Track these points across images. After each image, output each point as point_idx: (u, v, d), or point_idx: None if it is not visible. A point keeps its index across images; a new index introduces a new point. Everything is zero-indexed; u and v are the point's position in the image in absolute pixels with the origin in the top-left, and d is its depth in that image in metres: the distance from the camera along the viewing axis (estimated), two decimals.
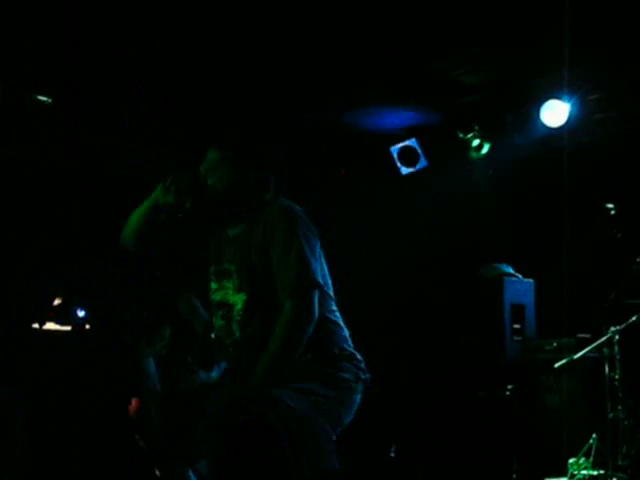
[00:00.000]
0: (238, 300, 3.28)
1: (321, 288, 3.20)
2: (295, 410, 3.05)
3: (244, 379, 3.17)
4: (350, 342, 3.35)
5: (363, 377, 3.32)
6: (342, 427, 3.29)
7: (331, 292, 3.35)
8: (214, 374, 5.48)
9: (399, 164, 7.36)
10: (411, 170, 7.34)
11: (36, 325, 6.83)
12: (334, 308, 3.35)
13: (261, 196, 3.35)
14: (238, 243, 3.33)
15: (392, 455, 6.88)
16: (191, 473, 5.33)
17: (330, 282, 3.35)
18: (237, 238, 3.35)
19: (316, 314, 3.15)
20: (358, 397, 3.31)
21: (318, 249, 3.27)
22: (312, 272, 3.17)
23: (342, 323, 3.36)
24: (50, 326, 6.84)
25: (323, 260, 3.31)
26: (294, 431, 3.02)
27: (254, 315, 3.26)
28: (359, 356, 3.34)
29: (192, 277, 3.88)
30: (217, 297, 3.38)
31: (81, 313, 7.06)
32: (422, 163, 7.26)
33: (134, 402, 5.80)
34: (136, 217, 3.43)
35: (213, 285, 3.41)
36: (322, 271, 3.27)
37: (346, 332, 3.36)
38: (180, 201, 3.30)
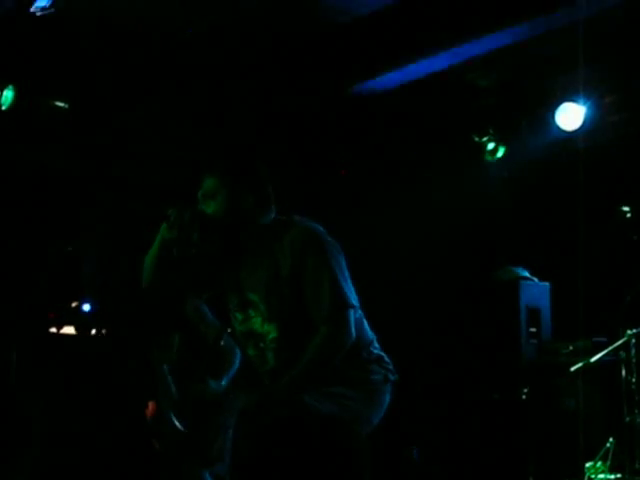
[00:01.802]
0: (270, 330, 3.26)
1: (355, 309, 3.21)
2: (324, 415, 3.07)
3: None
4: (377, 344, 3.36)
5: (392, 378, 3.33)
6: (371, 428, 3.30)
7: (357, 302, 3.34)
8: (224, 382, 5.48)
9: None
10: None
11: (54, 329, 6.86)
12: (359, 312, 3.34)
13: (265, 216, 3.32)
14: (261, 272, 3.28)
15: (414, 456, 6.86)
16: (208, 475, 5.34)
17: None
18: (258, 266, 3.30)
19: (353, 336, 3.16)
20: (387, 398, 3.32)
21: (345, 267, 3.25)
22: (347, 296, 3.17)
23: (367, 327, 3.37)
24: (67, 330, 6.88)
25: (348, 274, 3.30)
26: (324, 436, 3.04)
27: (290, 344, 3.24)
28: (387, 358, 3.35)
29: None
30: (244, 327, 3.35)
31: (86, 307, 7.06)
32: None
33: (151, 406, 5.81)
34: (150, 259, 3.39)
35: (238, 316, 3.37)
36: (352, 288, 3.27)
37: (372, 335, 3.37)
38: (186, 235, 3.26)
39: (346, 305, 3.15)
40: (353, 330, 3.15)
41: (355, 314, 3.21)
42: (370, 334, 3.35)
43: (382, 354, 3.33)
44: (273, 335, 3.26)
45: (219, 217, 3.26)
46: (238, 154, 3.54)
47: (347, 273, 3.25)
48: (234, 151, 3.80)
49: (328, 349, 3.13)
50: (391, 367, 3.34)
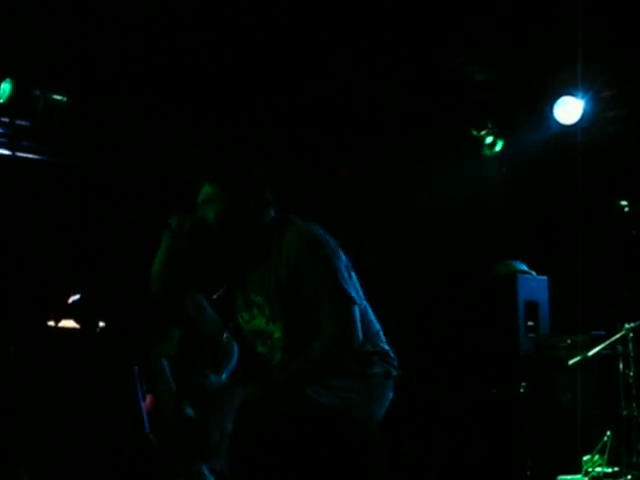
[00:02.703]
0: (275, 329, 3.28)
1: (359, 304, 3.21)
2: (326, 408, 3.08)
3: None
4: (382, 337, 3.37)
5: (394, 373, 3.33)
6: (375, 424, 3.30)
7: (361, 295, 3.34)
8: (224, 377, 5.48)
9: None
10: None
11: (52, 322, 6.86)
12: (365, 303, 3.35)
13: (264, 218, 3.33)
14: (263, 273, 3.29)
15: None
16: (205, 469, 5.34)
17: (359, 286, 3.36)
18: (260, 267, 3.31)
19: (359, 334, 3.15)
20: (389, 393, 3.32)
21: (343, 263, 3.25)
22: (347, 292, 3.16)
23: (373, 318, 3.37)
24: (65, 323, 6.87)
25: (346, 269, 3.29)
26: (324, 429, 3.05)
27: (294, 343, 3.24)
28: (392, 353, 3.36)
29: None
30: (252, 326, 3.37)
31: (75, 297, 7.05)
32: None
33: (148, 399, 5.82)
34: (157, 267, 3.42)
35: (245, 315, 3.39)
36: (353, 284, 3.27)
37: (378, 327, 3.38)
38: (189, 242, 3.30)
39: (348, 301, 3.15)
40: (359, 327, 3.15)
41: (359, 308, 3.21)
42: (376, 326, 3.35)
43: (387, 348, 3.33)
44: (278, 335, 3.27)
45: (220, 222, 3.28)
46: (235, 159, 3.56)
47: (345, 267, 3.25)
48: (232, 157, 3.79)
49: (334, 348, 3.13)
50: (395, 363, 3.34)
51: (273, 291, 3.24)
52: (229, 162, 3.51)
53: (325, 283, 3.15)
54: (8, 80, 6.00)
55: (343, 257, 3.27)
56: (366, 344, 3.24)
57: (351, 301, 3.15)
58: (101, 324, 7.13)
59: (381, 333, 3.36)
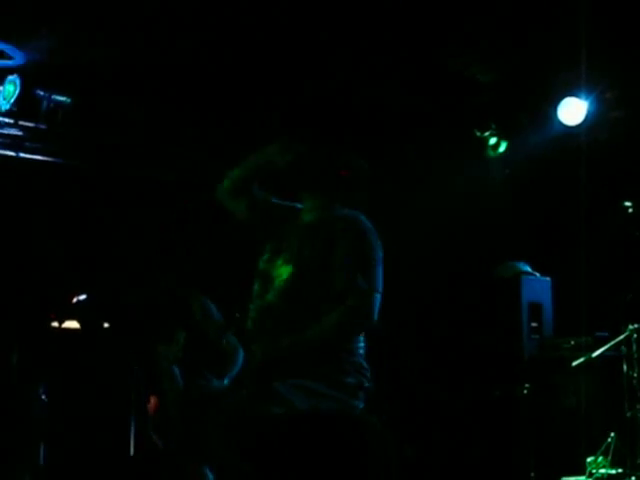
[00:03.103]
0: (284, 272, 3.33)
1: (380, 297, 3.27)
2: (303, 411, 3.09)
3: (255, 344, 3.27)
4: (362, 350, 3.38)
5: (367, 385, 3.33)
6: None
7: None
8: (227, 381, 5.48)
9: None
10: None
11: (55, 323, 6.86)
12: None
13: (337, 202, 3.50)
14: (304, 231, 3.40)
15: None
16: (208, 471, 5.34)
17: None
18: (306, 227, 3.42)
19: (374, 321, 3.22)
20: (360, 405, 3.32)
21: (381, 260, 3.34)
22: (377, 281, 3.26)
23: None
24: (69, 324, 6.88)
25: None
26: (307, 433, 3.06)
27: (296, 290, 3.29)
28: (366, 364, 3.37)
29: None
30: (264, 266, 3.43)
31: (81, 297, 7.06)
32: None
33: (152, 400, 5.82)
34: (247, 170, 3.51)
35: (265, 256, 3.46)
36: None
37: (362, 338, 3.39)
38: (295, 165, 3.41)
39: (376, 288, 3.23)
40: (376, 315, 3.22)
41: (380, 299, 3.26)
42: (360, 337, 3.37)
43: (362, 361, 3.34)
44: (284, 277, 3.31)
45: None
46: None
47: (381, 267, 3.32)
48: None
49: (349, 321, 3.21)
50: (368, 374, 3.34)
51: (309, 239, 3.33)
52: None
53: (362, 258, 3.24)
54: (12, 80, 6.01)
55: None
56: (348, 355, 3.25)
57: (379, 291, 3.24)
58: (105, 325, 7.14)
59: (362, 344, 3.36)
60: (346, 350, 3.28)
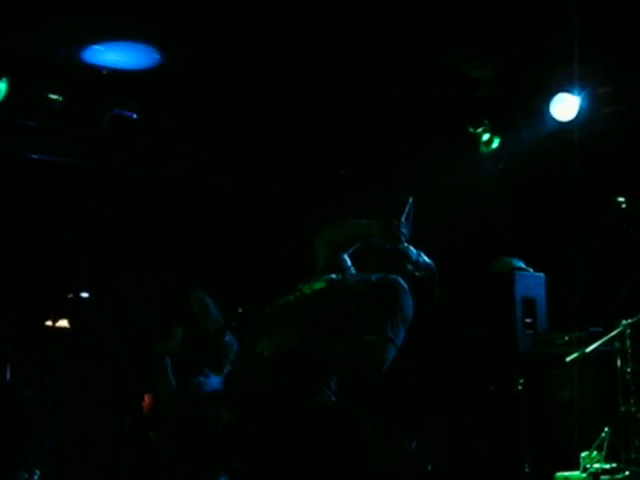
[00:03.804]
0: (317, 285, 3.42)
1: (397, 349, 3.33)
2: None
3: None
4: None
5: None
6: None
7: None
8: (222, 377, 5.47)
9: None
10: None
11: (49, 322, 6.85)
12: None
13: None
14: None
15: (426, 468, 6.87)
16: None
17: None
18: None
19: (383, 367, 3.27)
20: None
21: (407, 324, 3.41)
22: (398, 336, 3.32)
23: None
24: (63, 323, 6.87)
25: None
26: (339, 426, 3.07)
27: (320, 302, 3.38)
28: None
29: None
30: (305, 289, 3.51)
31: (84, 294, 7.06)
32: None
33: (147, 399, 5.81)
34: None
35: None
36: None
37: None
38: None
39: (396, 341, 3.29)
40: (386, 362, 3.26)
41: (395, 353, 3.31)
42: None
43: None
44: (316, 287, 3.42)
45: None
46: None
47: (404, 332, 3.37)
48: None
49: (364, 353, 3.25)
50: None
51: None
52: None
53: (393, 318, 3.30)
54: (4, 79, 6.00)
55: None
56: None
57: (395, 341, 3.29)
58: (98, 321, 7.13)
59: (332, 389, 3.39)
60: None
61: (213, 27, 5.62)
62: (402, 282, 3.46)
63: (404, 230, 3.64)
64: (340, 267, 3.55)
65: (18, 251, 6.69)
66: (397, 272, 3.52)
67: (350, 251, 3.62)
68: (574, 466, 5.74)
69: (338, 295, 3.39)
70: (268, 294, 3.60)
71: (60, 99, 6.30)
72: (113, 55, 5.92)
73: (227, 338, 5.14)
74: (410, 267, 3.60)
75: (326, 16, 5.54)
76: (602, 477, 5.53)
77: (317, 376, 3.27)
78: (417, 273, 3.63)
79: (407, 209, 3.72)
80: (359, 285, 3.43)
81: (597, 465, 5.61)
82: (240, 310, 4.87)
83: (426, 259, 3.73)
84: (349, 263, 3.55)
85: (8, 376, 6.11)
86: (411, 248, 3.65)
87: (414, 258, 3.64)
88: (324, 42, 5.90)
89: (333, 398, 3.34)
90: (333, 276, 3.44)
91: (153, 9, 5.35)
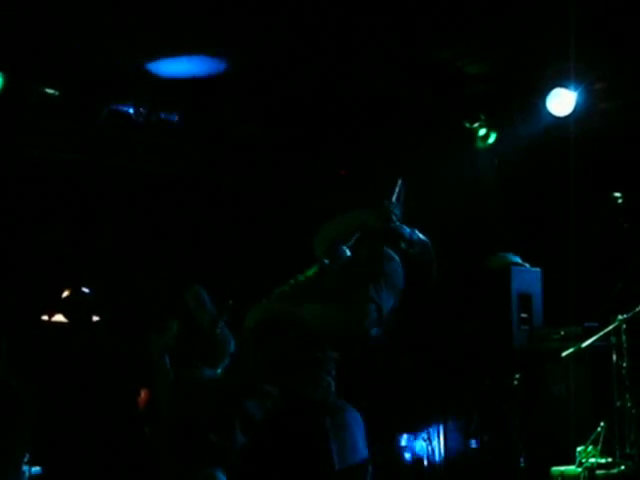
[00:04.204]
0: (310, 271, 3.43)
1: (380, 311, 3.30)
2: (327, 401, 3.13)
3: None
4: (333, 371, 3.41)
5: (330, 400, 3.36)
6: None
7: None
8: (219, 371, 5.46)
9: None
10: None
11: (45, 317, 6.85)
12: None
13: None
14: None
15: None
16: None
17: None
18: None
19: (364, 327, 3.26)
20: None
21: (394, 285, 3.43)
22: (377, 297, 3.30)
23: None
24: (59, 318, 6.86)
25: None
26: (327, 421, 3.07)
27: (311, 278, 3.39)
28: (332, 381, 3.38)
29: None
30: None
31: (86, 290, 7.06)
32: None
33: (143, 393, 5.81)
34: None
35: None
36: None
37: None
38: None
39: (374, 300, 3.26)
40: (366, 320, 3.24)
41: (377, 315, 3.28)
42: (330, 369, 3.37)
43: (328, 377, 3.35)
44: (309, 273, 3.42)
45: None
46: None
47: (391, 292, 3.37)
48: None
49: (334, 316, 3.24)
50: (332, 390, 3.37)
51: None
52: None
53: (368, 284, 3.28)
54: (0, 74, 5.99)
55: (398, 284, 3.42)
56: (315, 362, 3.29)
57: (375, 300, 3.27)
58: (95, 318, 7.13)
59: (330, 379, 3.36)
60: (315, 360, 3.31)
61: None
62: (390, 252, 3.46)
63: (395, 210, 3.64)
64: (339, 257, 3.55)
65: (14, 245, 6.68)
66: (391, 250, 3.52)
67: (350, 243, 3.62)
68: (570, 461, 5.75)
69: (328, 275, 3.40)
70: (266, 289, 3.61)
71: (57, 93, 6.30)
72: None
73: (219, 330, 5.13)
74: (403, 245, 3.58)
75: (326, 16, 5.53)
76: (597, 472, 5.54)
77: (303, 345, 3.25)
78: (411, 250, 3.59)
79: (397, 190, 3.72)
80: (348, 261, 3.45)
81: (592, 460, 5.61)
82: (231, 302, 4.86)
83: (420, 236, 3.69)
84: (348, 253, 3.55)
85: (4, 370, 6.10)
86: (404, 227, 3.63)
87: (407, 236, 3.61)
88: (322, 39, 5.90)
89: (333, 385, 3.34)
90: (325, 261, 3.45)
91: None
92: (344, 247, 3.55)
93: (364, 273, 3.32)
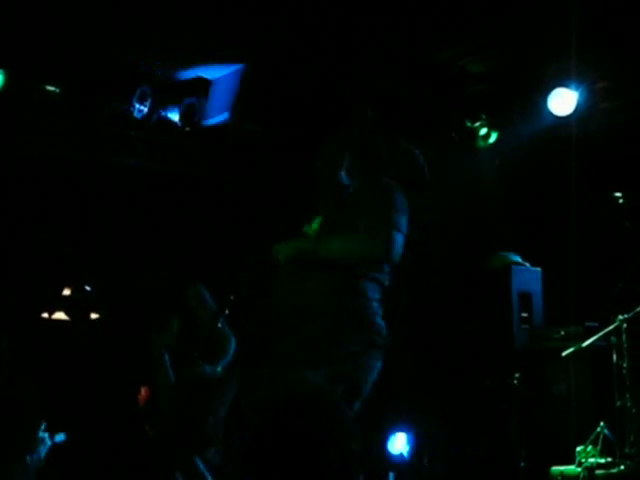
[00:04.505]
0: (315, 224, 3.55)
1: (404, 236, 3.42)
2: (323, 392, 3.13)
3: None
4: (377, 306, 3.46)
5: (379, 342, 3.36)
6: (361, 398, 3.33)
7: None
8: (219, 369, 5.47)
9: None
10: None
11: (45, 314, 6.86)
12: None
13: None
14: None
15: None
16: (199, 461, 5.35)
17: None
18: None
19: (392, 254, 3.41)
20: (375, 362, 3.37)
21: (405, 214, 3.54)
22: (398, 222, 3.46)
23: (374, 290, 3.47)
24: (59, 315, 6.88)
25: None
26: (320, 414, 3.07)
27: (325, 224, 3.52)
28: (380, 320, 3.41)
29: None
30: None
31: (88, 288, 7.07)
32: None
33: (143, 391, 5.82)
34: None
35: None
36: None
37: (376, 295, 3.49)
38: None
39: (394, 226, 3.39)
40: (393, 248, 3.37)
41: (401, 240, 3.42)
42: (375, 294, 3.40)
43: (374, 318, 3.36)
44: (315, 226, 3.56)
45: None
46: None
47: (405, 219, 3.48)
48: None
49: (359, 246, 3.37)
50: (383, 333, 3.37)
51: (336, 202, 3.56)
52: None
53: (383, 207, 3.43)
54: (0, 71, 5.99)
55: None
56: (358, 310, 3.30)
57: (398, 227, 3.43)
58: (95, 316, 7.13)
59: (377, 302, 3.41)
60: (353, 304, 3.31)
61: None
62: (386, 181, 3.58)
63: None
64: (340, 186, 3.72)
65: (14, 244, 6.69)
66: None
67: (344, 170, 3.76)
68: (569, 460, 5.74)
69: (339, 213, 3.53)
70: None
71: (57, 90, 6.30)
72: None
73: (220, 326, 5.14)
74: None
75: (326, 16, 5.53)
76: (597, 471, 5.53)
77: (337, 275, 3.33)
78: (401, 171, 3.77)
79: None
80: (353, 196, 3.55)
81: (592, 460, 5.60)
82: (232, 297, 4.87)
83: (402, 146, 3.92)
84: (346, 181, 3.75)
85: (5, 368, 6.12)
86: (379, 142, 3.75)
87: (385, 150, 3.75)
88: (322, 39, 5.89)
89: (380, 317, 3.33)
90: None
91: None
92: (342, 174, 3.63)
93: (379, 204, 3.42)
